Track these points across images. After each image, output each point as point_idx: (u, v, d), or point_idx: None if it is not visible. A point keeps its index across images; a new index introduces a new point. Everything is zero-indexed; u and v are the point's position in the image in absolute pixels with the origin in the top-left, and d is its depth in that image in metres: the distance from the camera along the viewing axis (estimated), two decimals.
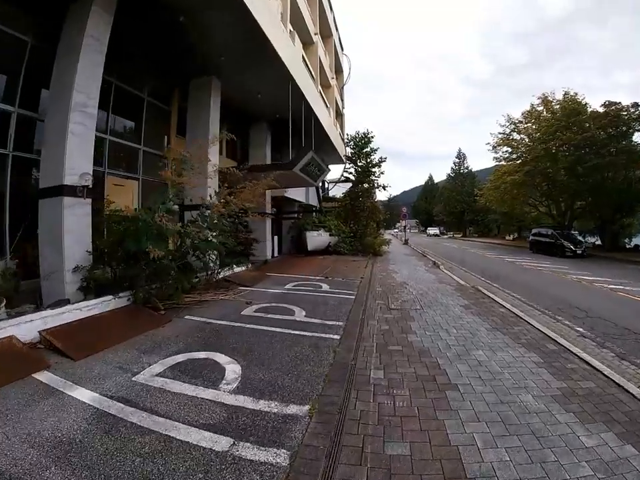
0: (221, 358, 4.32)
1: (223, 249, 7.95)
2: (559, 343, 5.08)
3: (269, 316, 6.20)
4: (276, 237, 17.13)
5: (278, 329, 5.46)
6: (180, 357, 4.36)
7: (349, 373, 3.94)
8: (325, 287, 9.19)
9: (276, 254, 16.85)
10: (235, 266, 9.77)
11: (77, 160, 6.40)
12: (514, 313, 6.76)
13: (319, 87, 16.02)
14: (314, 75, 14.83)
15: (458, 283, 10.46)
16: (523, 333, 5.55)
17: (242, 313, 6.39)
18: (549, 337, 5.39)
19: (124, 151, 9.52)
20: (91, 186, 6.57)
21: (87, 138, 6.63)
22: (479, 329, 5.71)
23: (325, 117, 16.88)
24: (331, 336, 5.22)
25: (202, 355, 4.43)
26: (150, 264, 5.82)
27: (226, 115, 12.79)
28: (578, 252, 20.51)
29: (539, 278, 12.64)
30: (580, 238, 23.66)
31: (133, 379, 3.79)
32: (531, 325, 6.03)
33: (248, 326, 5.61)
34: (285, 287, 8.99)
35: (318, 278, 10.61)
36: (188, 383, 3.70)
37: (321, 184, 27.66)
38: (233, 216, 8.35)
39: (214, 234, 7.25)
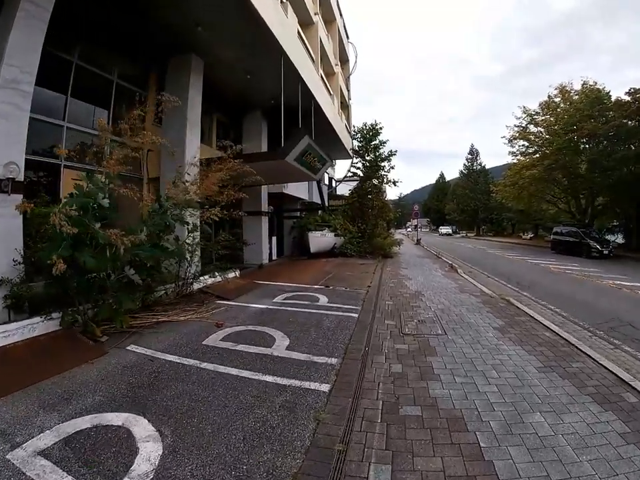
0: (141, 428, 2.82)
1: (183, 254, 6.52)
2: (638, 390, 3.58)
3: (237, 348, 4.64)
4: (274, 238, 15.56)
5: (243, 372, 3.90)
6: (86, 421, 2.91)
7: (332, 473, 2.32)
8: (323, 300, 7.62)
9: (275, 257, 15.30)
10: (217, 274, 8.28)
11: (2, 147, 5.16)
12: (564, 339, 5.17)
13: (321, 71, 14.49)
14: (314, 58, 13.31)
15: (483, 292, 8.83)
16: (586, 374, 3.98)
17: (204, 341, 4.85)
18: (620, 378, 3.87)
19: (87, 141, 8.10)
20: (19, 179, 5.28)
21: (18, 121, 5.40)
22: (526, 369, 4.09)
23: (329, 106, 15.35)
24: (317, 387, 3.61)
25: (119, 418, 2.95)
26: (78, 279, 4.38)
27: (214, 103, 11.42)
28: (604, 252, 19.22)
29: (572, 284, 11.01)
30: (604, 237, 22.05)
31: (8, 456, 2.47)
32: (591, 357, 4.49)
33: (203, 365, 4.08)
34: (273, 300, 7.47)
35: (316, 287, 9.09)
36: (73, 476, 2.27)
37: (328, 181, 26.11)
38: (192, 213, 6.91)
39: (168, 238, 5.76)
